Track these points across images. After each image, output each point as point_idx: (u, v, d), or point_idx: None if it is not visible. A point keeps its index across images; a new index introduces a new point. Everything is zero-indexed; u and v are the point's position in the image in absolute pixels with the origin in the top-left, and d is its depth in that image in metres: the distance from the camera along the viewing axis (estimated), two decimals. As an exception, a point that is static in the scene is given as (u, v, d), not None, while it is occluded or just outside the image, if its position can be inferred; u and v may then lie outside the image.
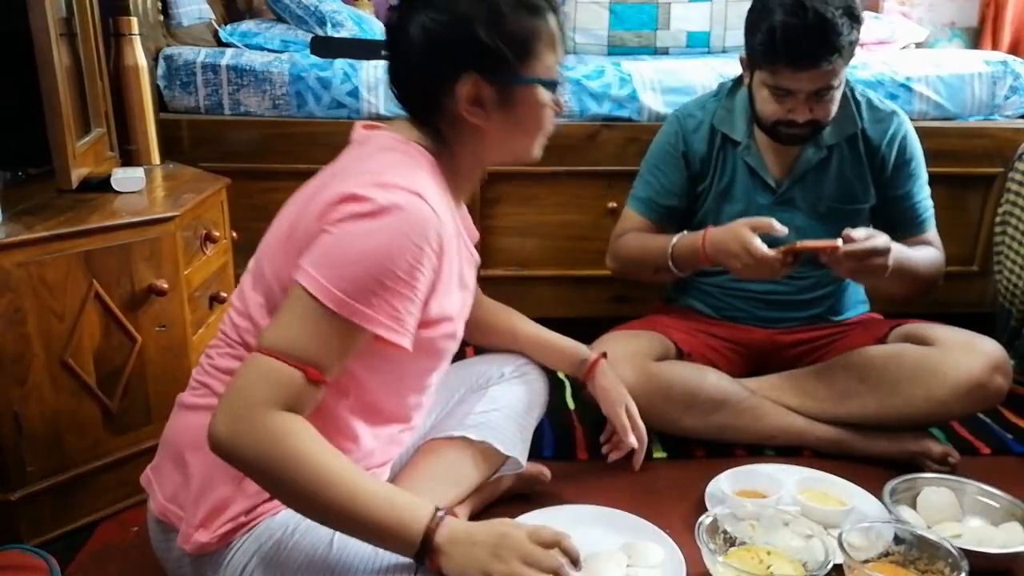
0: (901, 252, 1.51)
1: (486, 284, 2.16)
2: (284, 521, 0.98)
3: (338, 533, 0.95)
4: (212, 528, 0.97)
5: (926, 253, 1.63)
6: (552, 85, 1.02)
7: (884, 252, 1.43)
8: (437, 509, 0.92)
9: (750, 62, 1.58)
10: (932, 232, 1.67)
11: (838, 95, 1.55)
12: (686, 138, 1.70)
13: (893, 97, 2.09)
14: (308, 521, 0.96)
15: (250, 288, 1.02)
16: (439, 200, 0.96)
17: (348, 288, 0.89)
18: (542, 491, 1.51)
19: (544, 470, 1.51)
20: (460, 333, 1.10)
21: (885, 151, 1.64)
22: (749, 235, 1.45)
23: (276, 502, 0.98)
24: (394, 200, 0.90)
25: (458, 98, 0.97)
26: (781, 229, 1.45)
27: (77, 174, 1.53)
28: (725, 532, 1.25)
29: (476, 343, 1.43)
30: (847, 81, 1.64)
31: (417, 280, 0.92)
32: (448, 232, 0.98)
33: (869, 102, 1.67)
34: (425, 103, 1.01)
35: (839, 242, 1.42)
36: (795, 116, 1.53)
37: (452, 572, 0.89)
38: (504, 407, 1.33)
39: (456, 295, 1.05)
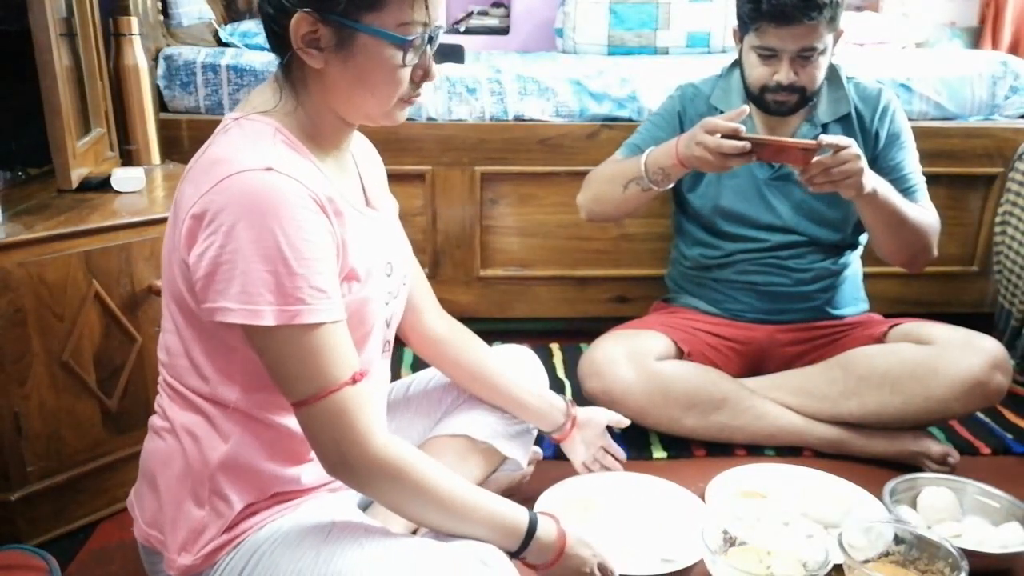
0: (886, 187, 1.53)
1: (486, 284, 2.18)
2: (269, 536, 0.97)
3: (326, 547, 0.95)
4: (194, 551, 0.96)
5: (914, 206, 1.62)
6: (401, 43, 0.91)
7: (857, 155, 1.43)
8: (531, 513, 1.03)
9: (740, 30, 1.62)
10: (925, 201, 1.67)
11: (823, 63, 1.58)
12: (684, 103, 1.75)
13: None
14: (292, 535, 0.97)
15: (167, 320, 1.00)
16: (296, 162, 0.92)
17: (273, 299, 0.86)
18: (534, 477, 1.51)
19: (537, 449, 1.52)
20: (373, 300, 1.01)
21: (877, 125, 1.67)
22: (711, 119, 1.48)
23: (258, 518, 0.98)
24: (244, 190, 0.86)
25: (292, 36, 0.91)
26: (743, 110, 1.48)
27: (77, 174, 1.54)
28: (725, 532, 1.25)
29: (448, 374, 1.33)
30: (835, 67, 1.67)
31: (318, 250, 0.89)
32: (323, 189, 0.93)
33: (857, 84, 1.71)
34: (272, 42, 0.96)
35: (813, 144, 1.41)
36: (780, 78, 1.56)
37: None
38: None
39: (361, 251, 0.98)
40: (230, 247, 0.85)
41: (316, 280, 0.88)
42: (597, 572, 1.07)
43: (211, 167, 0.89)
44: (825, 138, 1.43)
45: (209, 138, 0.97)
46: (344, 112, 0.98)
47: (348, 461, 0.91)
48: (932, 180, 1.73)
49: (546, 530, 1.03)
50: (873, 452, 1.63)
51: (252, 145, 0.91)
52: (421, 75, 0.97)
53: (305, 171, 0.92)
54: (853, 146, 1.43)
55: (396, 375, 1.38)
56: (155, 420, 1.03)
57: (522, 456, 1.34)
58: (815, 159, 1.42)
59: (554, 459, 1.64)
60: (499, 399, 1.30)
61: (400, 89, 0.95)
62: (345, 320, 0.92)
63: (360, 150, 1.14)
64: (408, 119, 2.05)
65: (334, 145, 1.02)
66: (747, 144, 1.44)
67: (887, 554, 1.24)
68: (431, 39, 0.95)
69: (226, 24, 2.43)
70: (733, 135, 1.45)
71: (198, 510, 0.97)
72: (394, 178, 2.04)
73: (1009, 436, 1.77)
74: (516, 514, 1.01)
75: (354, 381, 0.90)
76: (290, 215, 0.86)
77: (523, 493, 1.47)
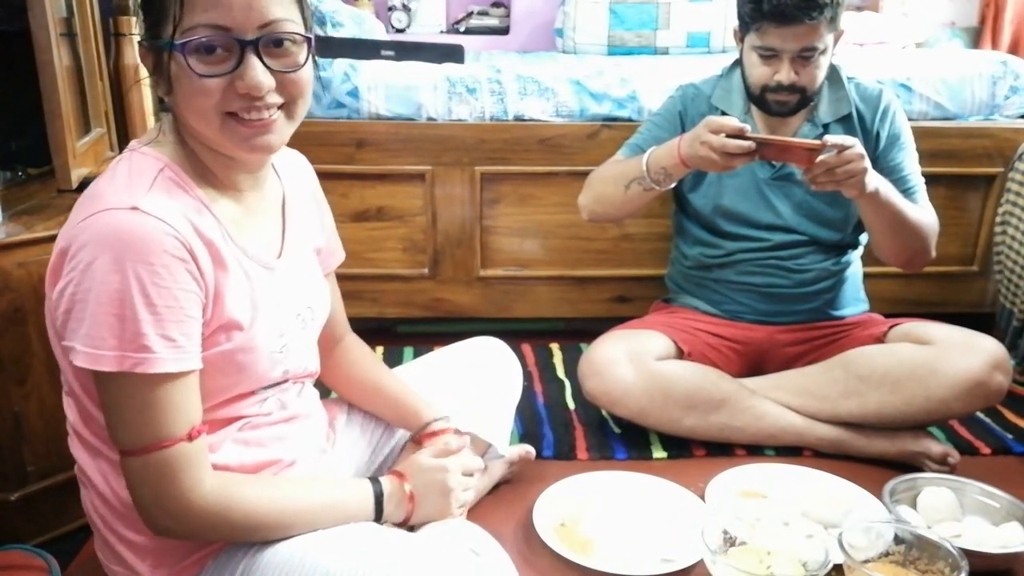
0: (887, 186, 1.54)
1: (486, 284, 2.18)
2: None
3: (312, 545, 0.95)
4: (167, 564, 0.97)
5: (915, 207, 1.62)
6: (178, 49, 0.84)
7: (860, 155, 1.43)
8: (373, 480, 1.05)
9: (741, 30, 1.63)
10: (924, 202, 1.67)
11: (823, 63, 1.58)
12: (685, 103, 1.75)
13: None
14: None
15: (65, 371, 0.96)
16: (174, 202, 0.88)
17: (116, 343, 0.82)
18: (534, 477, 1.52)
19: (529, 449, 1.54)
20: (261, 348, 0.96)
21: (878, 126, 1.67)
22: (715, 118, 1.49)
23: None
24: (103, 229, 0.83)
25: (143, 65, 0.89)
26: (744, 126, 1.47)
27: (77, 174, 1.53)
28: (725, 532, 1.25)
29: (344, 397, 1.28)
30: (836, 68, 1.67)
31: (176, 298, 0.85)
32: (206, 232, 0.90)
33: (857, 84, 1.71)
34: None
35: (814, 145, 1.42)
36: (780, 78, 1.56)
37: (422, 516, 1.08)
38: (478, 397, 1.34)
39: (245, 300, 0.94)
40: (84, 286, 0.83)
41: (166, 328, 0.84)
42: (462, 477, 1.12)
43: (84, 203, 0.87)
44: (830, 138, 1.43)
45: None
46: (206, 140, 0.92)
47: (169, 515, 0.89)
48: (932, 180, 1.73)
49: (390, 485, 1.06)
50: (873, 452, 1.63)
51: (128, 183, 0.87)
52: (241, 88, 0.87)
53: (184, 210, 0.88)
54: (857, 146, 1.43)
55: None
56: (76, 469, 1.02)
57: (501, 442, 1.35)
58: (819, 158, 1.42)
59: (554, 459, 1.64)
60: (379, 407, 1.26)
61: (211, 101, 0.87)
62: (197, 372, 0.89)
63: (295, 192, 1.10)
64: (408, 119, 2.06)
65: (232, 186, 0.97)
66: (752, 144, 1.45)
67: (887, 554, 1.24)
68: (248, 43, 0.86)
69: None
70: (738, 134, 1.45)
71: (148, 539, 0.96)
72: (394, 178, 2.08)
73: (1009, 436, 1.76)
74: (361, 489, 1.04)
75: (190, 437, 0.88)
76: (145, 259, 0.82)
77: (520, 488, 1.49)
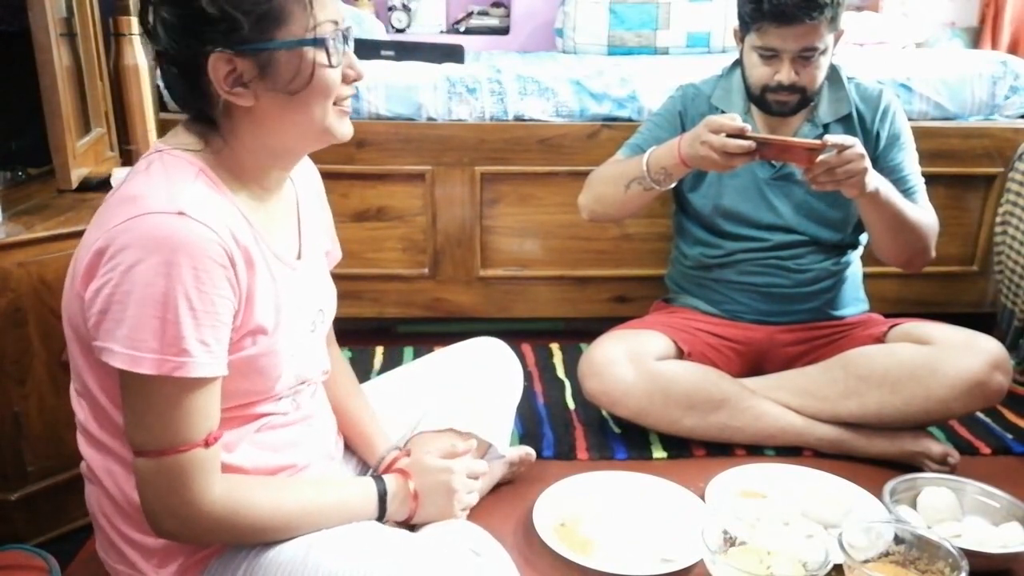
0: (887, 186, 1.54)
1: (486, 284, 2.18)
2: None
3: (314, 547, 0.95)
4: (170, 565, 0.97)
5: (915, 207, 1.62)
6: (320, 43, 0.90)
7: (861, 155, 1.43)
8: (377, 479, 1.08)
9: (741, 30, 1.63)
10: (924, 202, 1.67)
11: (823, 63, 1.58)
12: (685, 103, 1.76)
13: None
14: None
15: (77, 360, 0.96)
16: (214, 205, 0.89)
17: (157, 346, 0.83)
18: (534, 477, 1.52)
19: (530, 451, 1.55)
20: (283, 352, 0.98)
21: (878, 126, 1.67)
22: (715, 117, 1.49)
23: None
24: (149, 233, 0.83)
25: (215, 82, 0.88)
26: (744, 126, 1.46)
27: (77, 174, 1.53)
28: (725, 532, 1.25)
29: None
30: (836, 68, 1.67)
31: (214, 304, 0.86)
32: (241, 236, 0.91)
33: (857, 84, 1.71)
34: (191, 98, 0.93)
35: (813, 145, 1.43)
36: (781, 78, 1.56)
37: (425, 515, 1.10)
38: (479, 397, 1.34)
39: (271, 304, 0.96)
40: (124, 287, 0.83)
41: (204, 333, 0.85)
42: (466, 479, 1.14)
43: (122, 204, 0.86)
44: (830, 138, 1.43)
45: (130, 172, 0.94)
46: (285, 141, 0.95)
47: (176, 518, 0.90)
48: (932, 180, 1.73)
49: (394, 484, 1.08)
50: (873, 452, 1.63)
51: (169, 185, 0.88)
52: (352, 75, 0.96)
53: (223, 216, 0.89)
54: (857, 145, 1.43)
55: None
56: (82, 466, 1.02)
57: (502, 443, 1.35)
58: (819, 158, 1.42)
59: (554, 459, 1.64)
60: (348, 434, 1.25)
61: (333, 91, 0.94)
62: (221, 378, 0.90)
63: (305, 193, 1.11)
64: (408, 119, 2.06)
65: (262, 187, 0.99)
66: (752, 143, 1.45)
67: (887, 554, 1.24)
68: (345, 38, 0.94)
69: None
70: (738, 134, 1.45)
71: (154, 539, 0.96)
72: (394, 178, 2.08)
73: (1009, 436, 1.76)
74: (365, 487, 1.06)
75: (207, 443, 0.89)
76: (191, 263, 0.84)
77: (520, 488, 1.49)
